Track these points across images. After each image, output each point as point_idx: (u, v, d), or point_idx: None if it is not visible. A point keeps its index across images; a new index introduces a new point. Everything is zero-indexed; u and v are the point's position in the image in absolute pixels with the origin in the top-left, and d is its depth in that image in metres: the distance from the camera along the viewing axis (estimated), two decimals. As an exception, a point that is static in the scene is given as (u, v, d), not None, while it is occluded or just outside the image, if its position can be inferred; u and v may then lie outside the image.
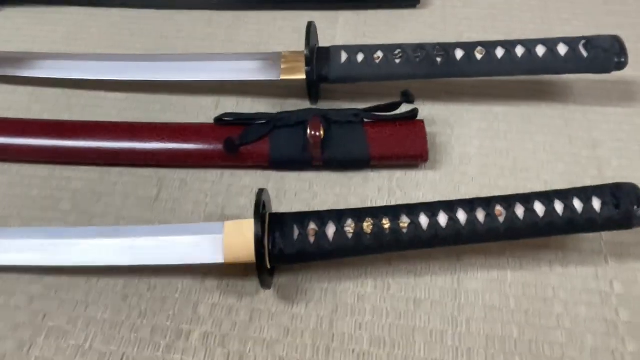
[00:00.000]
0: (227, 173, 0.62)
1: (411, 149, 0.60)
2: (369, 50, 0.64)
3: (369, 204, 0.59)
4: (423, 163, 0.61)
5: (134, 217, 0.59)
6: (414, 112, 0.61)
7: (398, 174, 0.61)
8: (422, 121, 0.61)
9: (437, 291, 0.52)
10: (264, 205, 0.51)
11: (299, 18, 0.79)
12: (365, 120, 0.62)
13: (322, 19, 0.78)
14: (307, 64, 0.63)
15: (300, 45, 0.70)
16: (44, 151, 0.62)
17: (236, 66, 0.67)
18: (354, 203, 0.59)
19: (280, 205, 0.59)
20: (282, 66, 0.66)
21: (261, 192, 0.51)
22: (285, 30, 0.78)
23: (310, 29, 0.64)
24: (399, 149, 0.60)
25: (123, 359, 0.49)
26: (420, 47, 0.64)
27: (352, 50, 0.65)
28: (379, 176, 0.61)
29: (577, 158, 0.62)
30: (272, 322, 0.51)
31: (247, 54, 0.69)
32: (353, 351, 0.49)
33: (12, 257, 0.53)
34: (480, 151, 0.63)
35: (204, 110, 0.68)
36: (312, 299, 0.52)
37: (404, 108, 0.61)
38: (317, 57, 0.64)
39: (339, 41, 0.75)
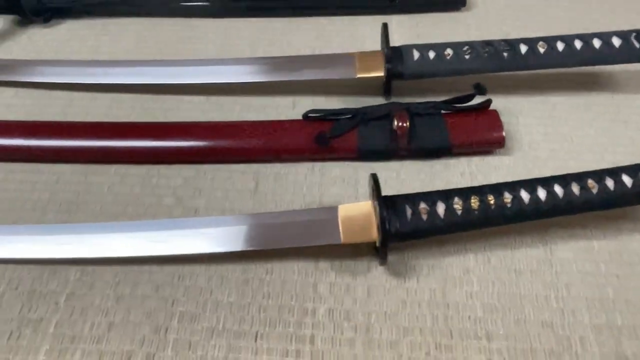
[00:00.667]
0: (317, 165, 0.66)
1: (489, 136, 0.65)
2: (439, 47, 0.69)
3: (451, 187, 0.63)
4: (499, 149, 0.66)
5: (236, 208, 0.62)
6: (488, 102, 0.67)
7: (475, 159, 0.66)
8: (495, 110, 0.67)
9: (534, 261, 0.57)
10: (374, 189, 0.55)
11: (353, 23, 0.85)
12: (443, 111, 0.67)
13: (376, 22, 0.83)
14: (387, 62, 0.68)
15: (359, 47, 0.76)
16: (142, 152, 0.65)
17: (313, 67, 0.72)
18: (439, 187, 0.63)
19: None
20: (357, 65, 0.71)
21: (374, 176, 0.55)
22: (342, 35, 0.83)
23: (386, 30, 0.69)
24: (478, 137, 0.65)
25: (257, 336, 0.52)
26: (487, 43, 0.69)
27: (423, 48, 0.70)
28: (459, 162, 0.66)
29: (635, 141, 0.68)
30: (388, 296, 0.55)
31: (323, 55, 0.74)
32: (469, 317, 0.53)
33: (140, 247, 0.56)
34: (546, 137, 0.69)
35: (282, 110, 0.72)
36: (421, 274, 0.56)
37: (476, 99, 0.67)
38: (392, 55, 0.69)
39: (398, 42, 0.79)
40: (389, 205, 0.54)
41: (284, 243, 0.56)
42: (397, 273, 0.56)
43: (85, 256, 0.56)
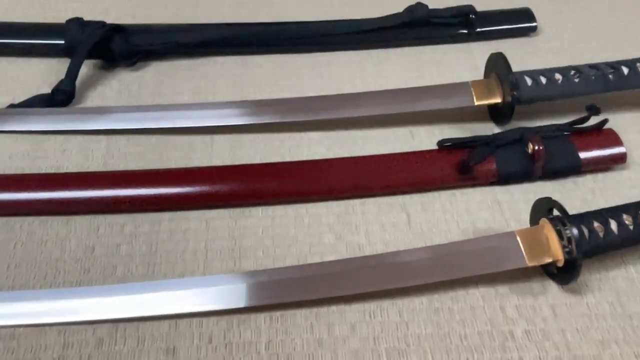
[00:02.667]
0: (457, 192, 0.68)
1: (612, 153, 0.70)
2: (549, 73, 0.74)
3: (589, 204, 0.67)
4: (621, 164, 0.71)
5: (398, 240, 0.63)
6: (604, 121, 0.71)
7: (600, 176, 0.71)
8: (612, 129, 0.71)
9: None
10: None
11: (438, 52, 0.88)
12: (566, 133, 0.71)
13: (457, 50, 0.88)
14: (512, 89, 0.71)
15: (450, 75, 0.81)
16: (291, 191, 0.65)
17: (431, 97, 0.74)
18: (576, 205, 0.67)
19: (516, 214, 0.66)
20: (474, 93, 0.74)
21: (550, 200, 0.58)
22: (430, 64, 0.86)
23: (505, 59, 0.73)
24: (602, 154, 0.70)
25: (468, 364, 0.53)
26: (592, 66, 0.74)
27: (534, 74, 0.73)
28: (586, 180, 0.70)
29: None
30: (573, 312, 0.57)
31: (438, 86, 0.76)
32: (653, 325, 0.57)
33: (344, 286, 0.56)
34: (656, 149, 0.74)
35: (403, 141, 0.74)
36: (594, 289, 0.59)
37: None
38: (512, 82, 0.72)
39: (482, 68, 0.83)
40: (572, 225, 0.57)
41: (471, 271, 0.57)
42: (573, 290, 0.59)
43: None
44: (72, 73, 0.76)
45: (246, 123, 0.73)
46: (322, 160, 0.68)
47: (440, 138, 0.72)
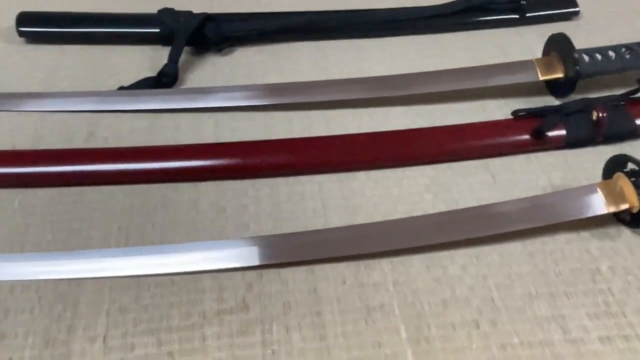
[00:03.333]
0: (531, 156, 0.77)
1: (663, 119, 0.80)
2: (603, 50, 0.83)
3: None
4: (672, 129, 0.81)
5: (485, 197, 0.72)
6: (655, 91, 0.81)
7: (653, 138, 0.81)
8: (662, 98, 0.82)
9: None
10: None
11: (493, 35, 0.97)
12: (621, 102, 0.80)
13: (510, 34, 0.97)
14: (574, 65, 0.80)
15: (507, 55, 0.90)
16: (390, 155, 0.74)
17: (500, 73, 0.83)
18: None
19: (584, 173, 0.75)
20: (538, 70, 0.83)
21: (625, 155, 0.68)
22: (487, 46, 0.95)
23: (568, 38, 0.82)
24: (655, 120, 0.80)
25: (567, 295, 0.62)
26: (640, 44, 0.84)
27: (591, 52, 0.83)
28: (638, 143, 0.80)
29: None
30: (647, 255, 0.67)
31: (505, 64, 0.85)
32: None
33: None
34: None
35: (474, 113, 0.83)
36: (662, 232, 0.69)
37: None
38: (574, 59, 0.82)
39: (536, 50, 0.92)
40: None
41: (559, 218, 0.66)
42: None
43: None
44: (175, 58, 0.84)
45: (337, 99, 0.81)
46: (418, 130, 0.76)
47: (507, 111, 0.81)
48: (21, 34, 0.90)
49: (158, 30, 0.89)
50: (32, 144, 0.76)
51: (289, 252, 0.63)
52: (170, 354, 0.56)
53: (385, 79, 0.83)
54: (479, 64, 0.88)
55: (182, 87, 0.85)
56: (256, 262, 0.62)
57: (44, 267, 0.61)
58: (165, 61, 0.87)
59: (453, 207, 0.70)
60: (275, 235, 0.66)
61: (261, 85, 0.83)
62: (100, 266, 0.61)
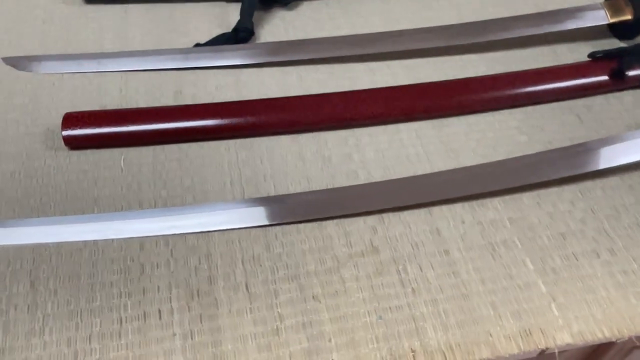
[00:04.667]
0: (609, 96, 0.79)
1: None
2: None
3: None
4: None
5: (574, 137, 0.73)
6: None
7: None
8: None
9: None
10: None
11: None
12: (686, 42, 0.83)
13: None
14: (643, 6, 0.83)
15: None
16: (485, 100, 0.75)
17: (569, 18, 0.85)
18: None
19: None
20: (608, 13, 0.85)
21: None
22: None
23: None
24: None
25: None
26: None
27: (652, -6, 0.85)
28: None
29: None
30: None
31: (575, 7, 0.86)
32: None
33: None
34: None
35: (547, 57, 0.84)
36: None
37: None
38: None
39: None
40: None
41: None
42: None
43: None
44: (249, 12, 0.83)
45: (413, 48, 0.82)
46: (505, 74, 0.78)
47: (578, 55, 0.84)
48: (82, -6, 0.87)
49: (224, -15, 0.87)
50: (118, 103, 0.74)
51: (410, 194, 0.65)
52: (315, 297, 0.57)
53: (459, 26, 0.83)
54: (545, 10, 0.89)
55: (259, 42, 0.84)
56: (386, 205, 0.64)
57: (174, 221, 0.61)
58: (231, 17, 0.86)
59: (548, 147, 0.73)
60: (393, 180, 0.67)
61: (338, 37, 0.82)
62: (229, 218, 0.61)
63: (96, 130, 0.68)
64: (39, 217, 0.62)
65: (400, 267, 0.60)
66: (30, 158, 0.68)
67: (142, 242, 0.60)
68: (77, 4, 0.88)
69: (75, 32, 0.84)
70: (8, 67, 0.77)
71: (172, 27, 0.86)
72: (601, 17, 0.85)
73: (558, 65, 0.80)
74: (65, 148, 0.68)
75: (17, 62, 0.77)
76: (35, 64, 0.77)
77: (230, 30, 0.83)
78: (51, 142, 0.69)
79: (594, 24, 0.85)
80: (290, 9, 0.90)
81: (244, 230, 0.62)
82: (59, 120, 0.70)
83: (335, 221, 0.63)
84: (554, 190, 0.68)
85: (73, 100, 0.74)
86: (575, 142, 0.72)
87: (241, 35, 0.81)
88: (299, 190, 0.66)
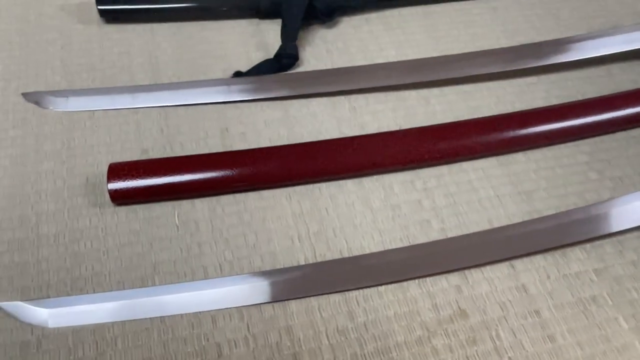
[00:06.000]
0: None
1: None
2: None
3: None
4: None
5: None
6: None
7: None
8: None
9: None
10: None
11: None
12: None
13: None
14: None
15: None
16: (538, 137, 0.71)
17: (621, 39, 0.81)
18: None
19: None
20: (664, 31, 0.81)
21: None
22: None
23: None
24: None
25: None
26: None
27: None
28: None
29: None
30: None
31: (626, 27, 0.82)
32: None
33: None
34: None
35: (600, 78, 0.80)
36: None
37: None
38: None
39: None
40: None
41: None
42: None
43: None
44: (292, 35, 0.76)
45: (474, 74, 0.77)
46: (568, 105, 0.73)
47: (633, 75, 0.81)
48: (102, 12, 0.78)
49: (260, 3, 0.79)
50: (161, 145, 0.67)
51: (493, 250, 0.61)
52: (409, 373, 0.53)
53: (518, 49, 0.79)
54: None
55: (302, 68, 0.77)
56: (469, 263, 0.60)
57: (249, 291, 0.55)
58: (267, 36, 0.79)
59: (619, 184, 0.69)
60: (473, 234, 0.62)
61: (388, 64, 0.77)
62: (304, 285, 0.57)
63: (145, 181, 0.61)
64: (94, 290, 0.56)
65: (493, 333, 0.56)
66: (73, 217, 0.61)
67: (214, 316, 0.55)
68: (96, 23, 0.79)
69: (99, 57, 0.76)
70: (31, 104, 0.69)
71: (205, 50, 0.78)
72: (657, 37, 0.82)
73: (624, 92, 0.76)
74: (111, 203, 0.62)
75: (41, 99, 0.69)
76: (61, 100, 0.69)
77: (270, 54, 0.76)
78: (93, 197, 0.62)
79: (649, 44, 0.82)
80: (330, 27, 0.83)
81: (322, 296, 0.57)
82: (97, 169, 0.63)
83: (417, 281, 0.59)
84: (634, 235, 0.65)
85: (110, 144, 0.67)
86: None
87: (285, 62, 0.75)
88: (372, 245, 0.62)
